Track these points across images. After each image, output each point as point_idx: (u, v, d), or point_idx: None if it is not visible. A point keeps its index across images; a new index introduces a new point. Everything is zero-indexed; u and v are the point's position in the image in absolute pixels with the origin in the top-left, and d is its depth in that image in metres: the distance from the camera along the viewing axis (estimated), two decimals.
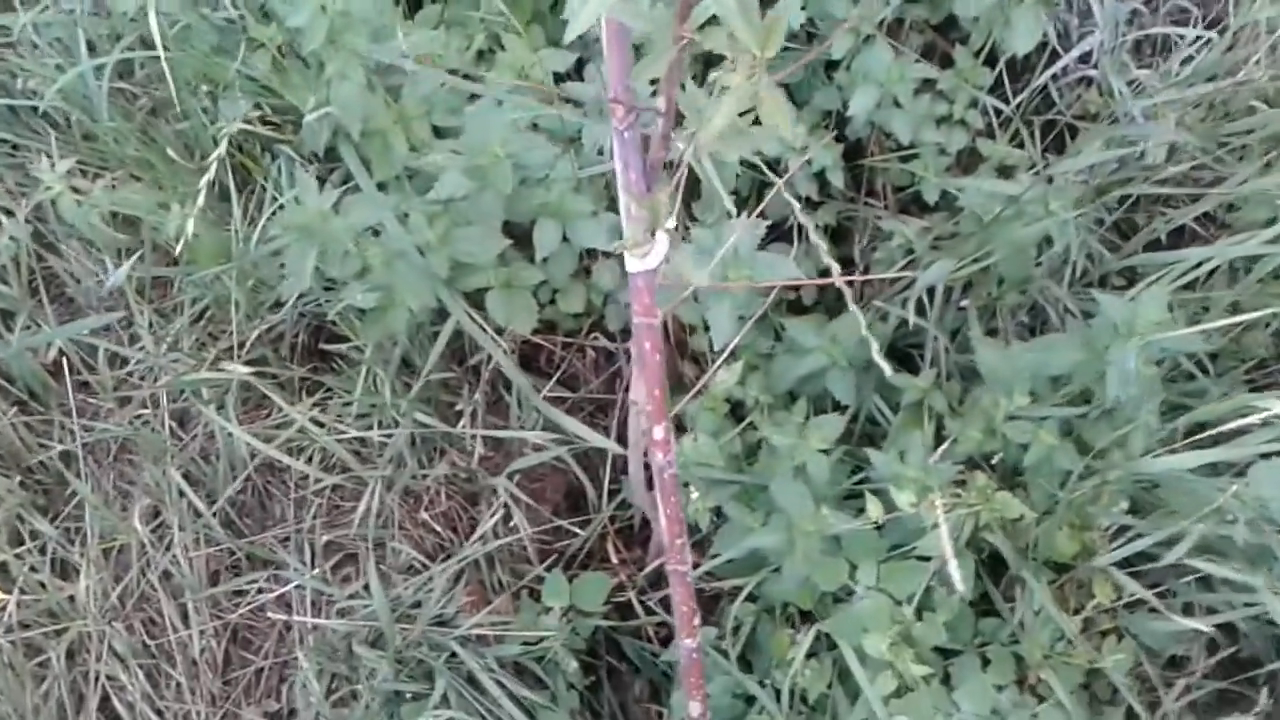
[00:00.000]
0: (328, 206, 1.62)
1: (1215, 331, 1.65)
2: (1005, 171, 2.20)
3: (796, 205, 1.54)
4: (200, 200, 1.81)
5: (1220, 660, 1.89)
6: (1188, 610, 1.89)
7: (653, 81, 1.19)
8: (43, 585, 2.09)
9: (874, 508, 1.69)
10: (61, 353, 2.26)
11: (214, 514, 2.12)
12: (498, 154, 1.60)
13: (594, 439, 2.11)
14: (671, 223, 1.18)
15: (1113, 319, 1.59)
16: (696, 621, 1.59)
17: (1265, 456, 1.65)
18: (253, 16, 2.15)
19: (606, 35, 0.94)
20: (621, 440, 2.12)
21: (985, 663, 1.86)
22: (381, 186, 2.02)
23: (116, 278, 1.93)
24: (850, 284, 2.36)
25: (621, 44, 0.95)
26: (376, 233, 1.77)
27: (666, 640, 2.30)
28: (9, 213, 2.23)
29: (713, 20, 0.79)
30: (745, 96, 0.80)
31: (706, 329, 1.88)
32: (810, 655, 1.90)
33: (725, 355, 1.80)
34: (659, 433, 1.37)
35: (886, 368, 1.50)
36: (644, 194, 1.12)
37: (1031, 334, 2.14)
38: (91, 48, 2.18)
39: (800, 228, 2.16)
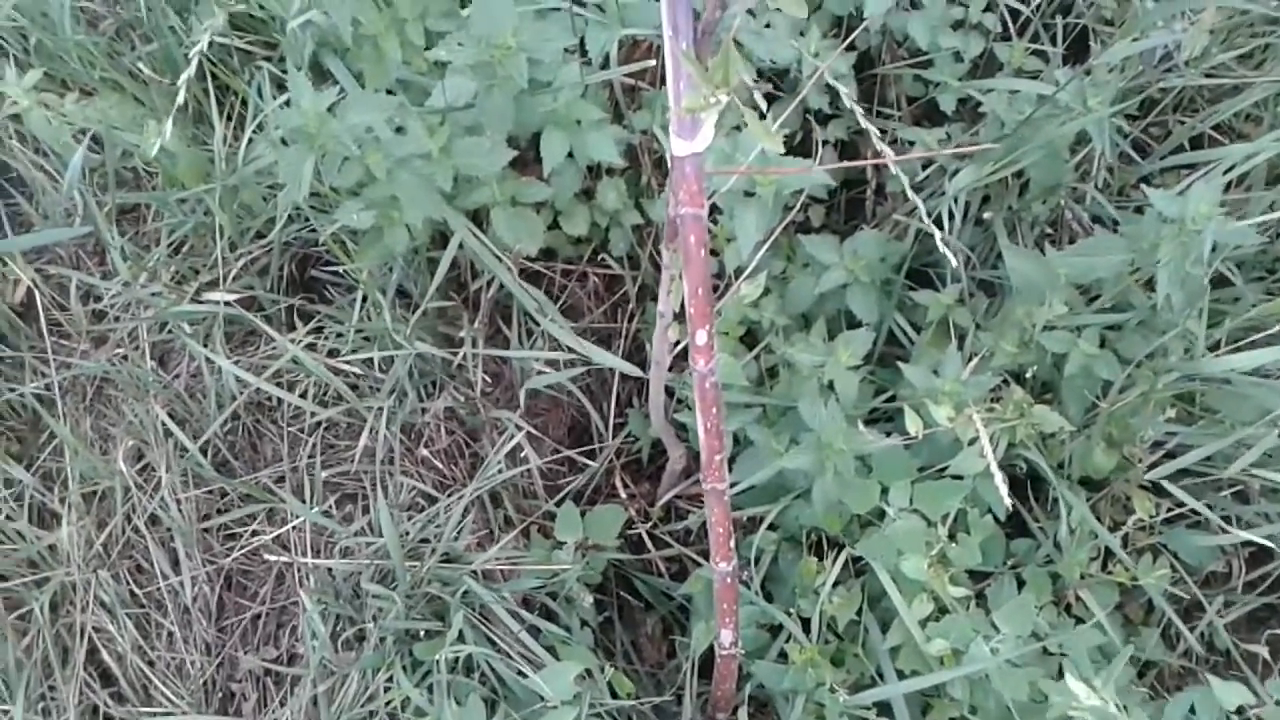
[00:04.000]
0: (324, 108, 1.49)
1: (1258, 230, 1.57)
2: (1023, 77, 2.10)
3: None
4: (175, 111, 1.67)
5: (1259, 575, 1.84)
6: (1226, 524, 1.83)
7: None
8: (21, 535, 1.97)
9: (913, 421, 1.61)
10: (30, 291, 2.13)
11: (203, 453, 2.01)
12: (510, 44, 1.47)
13: (608, 359, 2.00)
14: (725, 97, 1.08)
15: (1163, 213, 1.50)
16: (732, 544, 1.51)
17: None
18: None
19: None
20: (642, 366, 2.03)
21: (1020, 584, 1.80)
22: None
23: (74, 171, 1.76)
24: (866, 198, 2.28)
25: None
26: (378, 140, 1.64)
27: (678, 575, 2.22)
28: None
29: None
30: None
31: (727, 241, 1.78)
32: (836, 584, 1.83)
33: (748, 271, 1.71)
34: (701, 337, 1.27)
35: None
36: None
37: (1055, 246, 2.06)
38: None
39: (817, 143, 2.06)
